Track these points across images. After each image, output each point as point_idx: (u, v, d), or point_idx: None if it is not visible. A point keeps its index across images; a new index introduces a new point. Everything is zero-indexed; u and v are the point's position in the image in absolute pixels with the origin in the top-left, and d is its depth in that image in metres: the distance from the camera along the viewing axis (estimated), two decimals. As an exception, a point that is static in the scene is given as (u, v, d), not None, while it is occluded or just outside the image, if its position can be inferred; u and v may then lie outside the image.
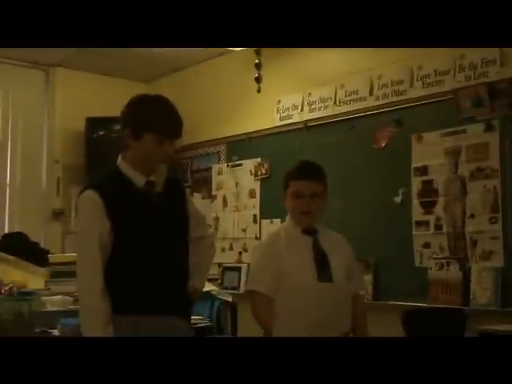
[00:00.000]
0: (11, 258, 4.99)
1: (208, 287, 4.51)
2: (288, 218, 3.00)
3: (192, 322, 3.23)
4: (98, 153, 6.52)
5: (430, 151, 4.66)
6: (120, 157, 2.65)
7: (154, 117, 2.55)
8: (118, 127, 6.94)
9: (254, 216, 5.97)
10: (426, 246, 4.62)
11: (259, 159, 5.98)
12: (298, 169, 2.96)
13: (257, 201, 5.98)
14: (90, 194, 2.54)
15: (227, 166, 6.33)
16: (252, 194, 6.03)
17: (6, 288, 4.32)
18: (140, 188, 2.60)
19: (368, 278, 4.85)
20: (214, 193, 6.42)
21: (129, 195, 2.58)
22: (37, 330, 3.90)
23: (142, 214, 2.57)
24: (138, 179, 2.60)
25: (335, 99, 5.40)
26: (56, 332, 3.77)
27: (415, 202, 4.71)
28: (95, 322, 2.46)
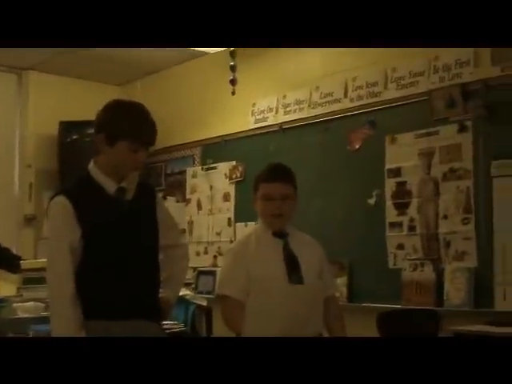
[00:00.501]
0: (-18, 264, 4.93)
1: (182, 292, 4.47)
2: (259, 220, 2.99)
3: (166, 327, 3.21)
4: (71, 157, 6.47)
5: (403, 152, 4.68)
6: (92, 162, 2.63)
7: (129, 125, 2.52)
8: (91, 131, 6.86)
9: (229, 219, 5.96)
10: (400, 247, 4.63)
11: (234, 162, 5.97)
12: (268, 171, 2.95)
13: (231, 204, 5.97)
14: (61, 199, 2.53)
15: (202, 169, 6.31)
16: (226, 198, 6.01)
17: (-23, 295, 4.27)
18: (111, 194, 2.59)
19: (342, 280, 4.85)
20: (188, 196, 6.40)
21: (99, 201, 2.57)
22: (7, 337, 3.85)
23: (112, 221, 2.56)
24: (109, 185, 2.59)
25: (310, 101, 5.40)
26: (27, 339, 3.71)
27: (389, 203, 4.73)
28: (67, 329, 2.44)
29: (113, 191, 2.59)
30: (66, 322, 2.44)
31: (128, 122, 2.53)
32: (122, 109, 2.60)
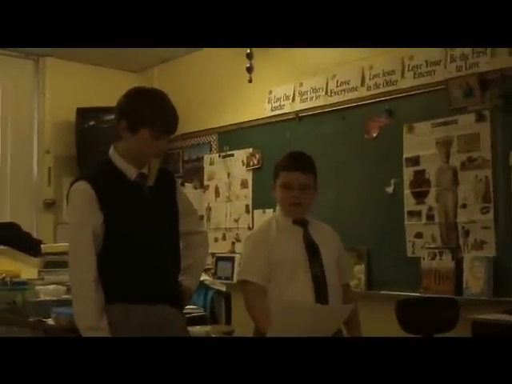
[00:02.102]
0: (4, 247, 5.00)
1: (201, 277, 4.53)
2: (278, 208, 3.00)
3: (186, 311, 3.24)
4: (88, 143, 6.52)
5: (421, 141, 4.68)
6: (112, 148, 2.63)
7: (152, 113, 2.53)
8: (108, 118, 6.95)
9: (247, 206, 5.99)
10: (419, 235, 4.64)
11: (251, 149, 5.99)
12: (289, 160, 2.93)
13: (249, 191, 5.99)
14: (83, 185, 2.53)
15: (219, 156, 6.33)
16: (244, 184, 6.04)
17: (0, 278, 4.33)
18: (132, 180, 2.60)
19: (360, 268, 4.88)
20: (205, 183, 6.42)
21: (120, 187, 2.58)
22: (31, 320, 3.91)
23: (133, 206, 2.57)
24: (130, 171, 2.59)
25: (327, 89, 5.40)
26: (50, 321, 3.77)
27: (407, 192, 4.73)
28: (89, 313, 2.45)
29: (133, 177, 2.59)
30: (88, 306, 2.45)
31: (151, 110, 2.53)
32: (145, 96, 2.60)
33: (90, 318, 2.45)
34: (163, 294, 2.60)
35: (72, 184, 2.59)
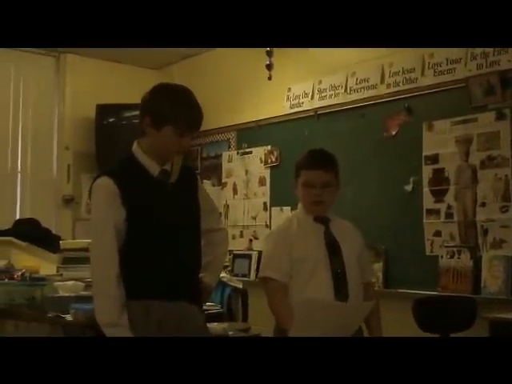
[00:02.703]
0: (23, 243, 5.03)
1: (219, 274, 4.54)
2: (300, 205, 3.00)
3: (204, 308, 3.25)
4: (108, 140, 6.56)
5: (440, 139, 4.66)
6: (135, 144, 2.62)
7: (176, 110, 2.51)
8: (128, 114, 6.96)
9: (264, 204, 5.99)
10: (437, 234, 4.62)
11: (269, 147, 5.99)
12: (310, 158, 2.93)
13: (267, 188, 6.00)
14: (106, 180, 2.51)
15: (237, 153, 6.34)
16: (262, 182, 6.04)
17: (19, 273, 4.36)
18: (154, 176, 2.58)
19: (378, 266, 4.86)
20: (223, 180, 6.44)
21: (143, 183, 2.56)
22: (49, 315, 3.94)
23: (156, 203, 2.56)
24: (153, 167, 2.58)
25: (346, 87, 5.39)
26: (68, 317, 3.79)
27: (426, 190, 4.71)
28: (110, 309, 2.44)
29: (156, 173, 2.58)
30: (109, 302, 2.44)
31: (175, 107, 2.51)
32: (169, 93, 2.58)
33: (111, 314, 2.44)
34: (184, 290, 2.59)
35: (95, 179, 2.57)
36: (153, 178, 2.58)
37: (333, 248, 2.84)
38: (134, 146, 2.62)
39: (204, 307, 3.14)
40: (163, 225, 2.56)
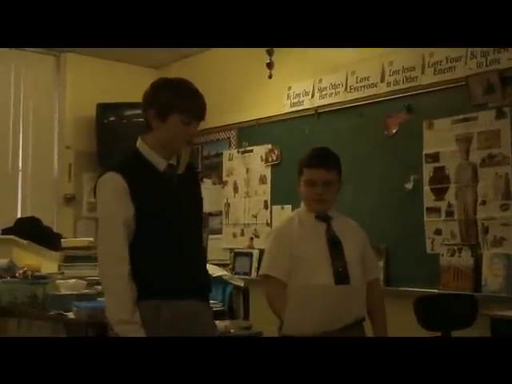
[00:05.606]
0: (25, 242, 5.05)
1: (220, 272, 4.55)
2: (302, 203, 3.01)
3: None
4: (108, 139, 6.57)
5: (441, 138, 4.66)
6: (140, 140, 2.61)
7: (181, 98, 2.52)
8: (128, 113, 6.97)
9: (265, 202, 5.99)
10: (438, 232, 4.62)
11: (270, 145, 5.99)
12: (312, 156, 2.95)
13: (267, 187, 6.00)
14: (114, 176, 2.48)
15: (238, 152, 6.34)
16: (263, 180, 6.04)
17: (21, 272, 4.38)
18: (161, 171, 2.58)
19: (379, 264, 4.86)
20: (224, 179, 6.43)
21: (151, 179, 2.55)
22: (51, 313, 3.95)
23: (163, 198, 2.54)
24: (159, 162, 2.57)
25: (346, 85, 5.39)
26: (71, 315, 3.81)
27: (426, 188, 4.72)
28: (122, 307, 2.41)
29: (163, 168, 2.57)
30: (121, 300, 2.41)
31: (180, 96, 2.52)
32: (172, 84, 2.60)
33: (123, 312, 2.40)
34: (193, 287, 2.57)
35: (100, 176, 2.54)
36: (160, 173, 2.57)
37: (334, 246, 2.86)
38: (139, 142, 2.61)
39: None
40: (171, 220, 2.55)
